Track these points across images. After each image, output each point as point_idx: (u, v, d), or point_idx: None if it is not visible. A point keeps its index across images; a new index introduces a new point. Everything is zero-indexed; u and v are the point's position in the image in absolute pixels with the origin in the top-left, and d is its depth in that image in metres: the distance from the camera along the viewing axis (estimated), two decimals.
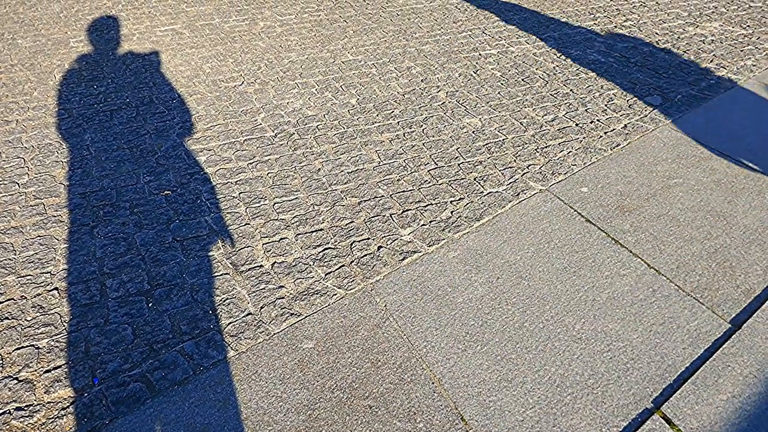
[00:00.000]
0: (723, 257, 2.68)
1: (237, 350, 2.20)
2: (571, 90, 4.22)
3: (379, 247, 2.73)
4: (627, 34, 5.27)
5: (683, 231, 2.84)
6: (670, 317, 2.36)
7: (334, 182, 3.16)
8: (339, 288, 2.50)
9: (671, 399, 2.01)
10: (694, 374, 2.10)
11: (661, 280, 2.55)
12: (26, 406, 1.99)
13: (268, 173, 3.22)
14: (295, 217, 2.91)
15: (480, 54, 4.82)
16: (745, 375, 2.10)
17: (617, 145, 3.53)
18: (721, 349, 2.20)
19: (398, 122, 3.77)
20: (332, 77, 4.36)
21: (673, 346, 2.24)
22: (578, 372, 2.14)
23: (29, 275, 2.52)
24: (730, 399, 2.02)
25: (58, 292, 2.44)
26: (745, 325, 2.30)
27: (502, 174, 3.25)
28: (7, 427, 1.94)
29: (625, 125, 3.76)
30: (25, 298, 2.41)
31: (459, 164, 3.34)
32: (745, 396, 2.03)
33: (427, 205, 3.00)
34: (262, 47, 4.85)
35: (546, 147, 3.50)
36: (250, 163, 3.30)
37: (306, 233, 2.81)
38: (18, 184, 3.09)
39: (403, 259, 2.66)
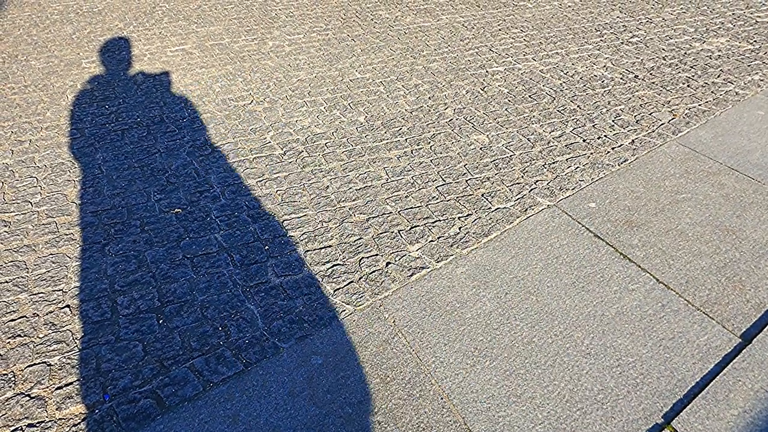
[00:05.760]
0: (732, 271, 2.68)
1: (247, 366, 2.21)
2: (578, 106, 4.24)
3: (388, 263, 2.74)
4: (634, 50, 5.30)
5: (692, 246, 2.84)
6: (680, 332, 2.35)
7: (343, 199, 3.18)
8: (348, 304, 2.51)
9: (681, 414, 2.00)
10: (705, 389, 2.09)
11: (670, 294, 2.54)
12: (38, 422, 2.01)
13: (277, 191, 3.25)
14: (304, 233, 2.93)
15: (487, 71, 4.86)
16: (756, 390, 2.08)
17: (625, 161, 3.53)
18: (731, 363, 2.19)
19: (406, 139, 3.79)
20: (340, 95, 4.40)
21: (683, 361, 2.23)
22: (587, 387, 2.13)
23: (41, 293, 2.55)
24: (741, 414, 2.01)
25: (70, 310, 2.46)
26: (755, 339, 2.29)
27: (510, 190, 3.26)
28: None
29: (633, 140, 3.77)
30: (38, 315, 2.44)
31: (467, 180, 3.35)
32: (756, 411, 2.01)
33: (435, 221, 3.01)
34: (271, 66, 4.91)
35: (553, 163, 3.52)
36: (260, 181, 3.33)
37: (315, 250, 2.82)
38: (31, 203, 3.13)
39: (411, 275, 2.67)
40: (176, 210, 3.08)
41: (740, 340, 2.32)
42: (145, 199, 3.17)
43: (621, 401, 2.08)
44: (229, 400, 2.07)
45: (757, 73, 4.77)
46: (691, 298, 2.53)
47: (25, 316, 2.43)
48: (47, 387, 2.13)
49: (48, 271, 2.67)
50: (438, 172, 3.43)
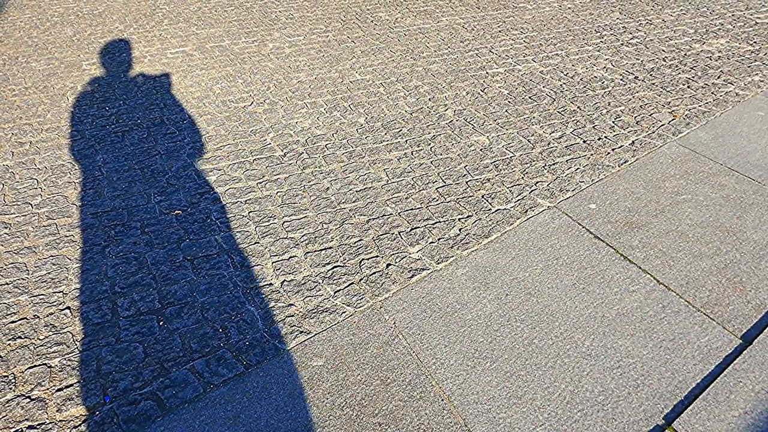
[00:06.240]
0: (733, 272, 2.67)
1: (247, 368, 2.21)
2: (578, 107, 4.24)
3: (388, 265, 2.74)
4: (634, 52, 5.30)
5: (692, 247, 2.84)
6: (680, 333, 2.35)
7: (343, 201, 3.18)
8: (348, 306, 2.51)
9: (682, 415, 2.00)
10: (705, 390, 2.09)
11: (670, 295, 2.54)
12: (38, 424, 2.01)
13: (278, 192, 3.25)
14: (304, 235, 2.93)
15: (487, 72, 4.86)
16: (756, 391, 2.08)
17: (625, 162, 3.53)
18: (732, 364, 2.19)
19: (406, 141, 3.80)
20: (340, 97, 4.41)
21: (684, 362, 2.23)
22: (588, 388, 2.13)
23: (42, 294, 2.55)
24: (741, 415, 2.00)
25: (70, 311, 2.46)
26: (756, 340, 2.29)
27: (510, 191, 3.26)
28: None
29: (633, 142, 3.77)
30: (38, 317, 2.44)
31: (467, 182, 3.35)
32: (757, 412, 2.01)
33: (436, 223, 3.01)
34: (271, 68, 4.91)
35: (554, 164, 3.52)
36: (260, 183, 3.33)
37: (315, 251, 2.82)
38: (31, 204, 3.13)
39: (411, 277, 2.67)
40: (177, 212, 3.08)
41: (741, 341, 2.32)
42: (145, 201, 3.17)
43: (622, 402, 2.08)
44: (229, 402, 2.07)
45: (757, 74, 4.77)
46: (691, 299, 2.52)
47: (25, 318, 2.43)
48: (48, 389, 2.13)
49: (48, 273, 2.67)
50: (438, 174, 3.43)
